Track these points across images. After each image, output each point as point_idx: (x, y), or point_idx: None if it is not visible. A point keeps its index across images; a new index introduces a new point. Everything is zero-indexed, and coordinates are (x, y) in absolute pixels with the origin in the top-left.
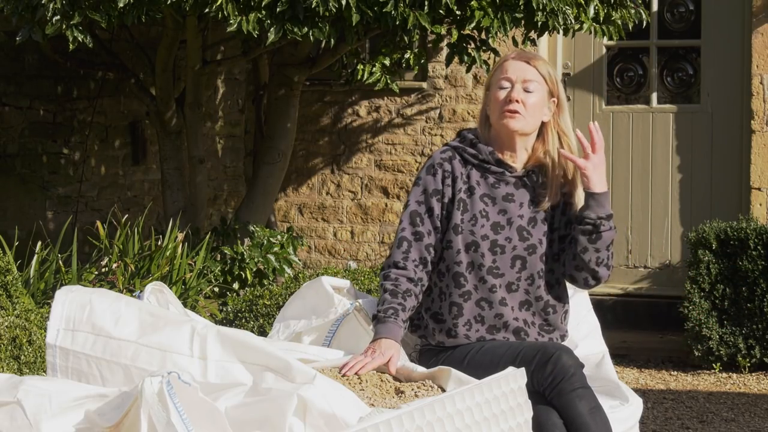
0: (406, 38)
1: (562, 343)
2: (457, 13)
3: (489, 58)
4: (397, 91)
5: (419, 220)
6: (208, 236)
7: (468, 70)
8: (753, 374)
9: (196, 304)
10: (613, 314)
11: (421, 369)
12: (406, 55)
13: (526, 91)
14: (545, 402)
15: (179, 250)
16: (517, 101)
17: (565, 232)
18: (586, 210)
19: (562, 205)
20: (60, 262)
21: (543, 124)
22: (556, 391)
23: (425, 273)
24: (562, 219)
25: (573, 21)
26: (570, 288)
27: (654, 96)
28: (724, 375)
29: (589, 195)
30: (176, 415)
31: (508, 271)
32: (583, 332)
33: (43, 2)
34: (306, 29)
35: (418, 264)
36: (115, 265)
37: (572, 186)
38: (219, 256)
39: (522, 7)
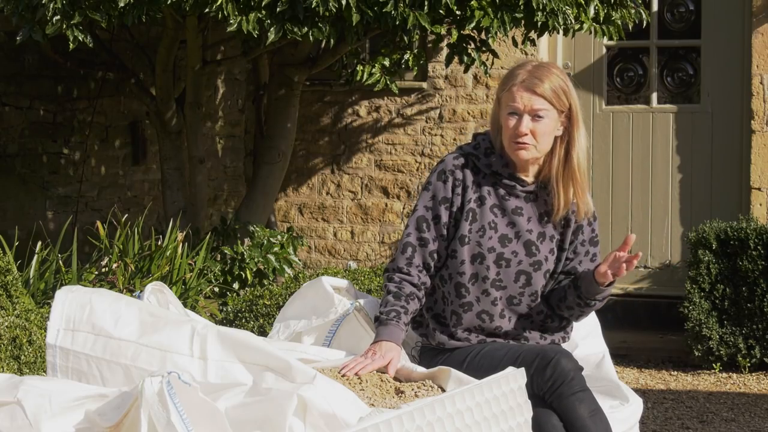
0: (405, 38)
1: (563, 344)
2: (457, 13)
3: (489, 59)
4: (397, 91)
5: (425, 226)
6: (208, 236)
7: (467, 70)
8: (753, 374)
9: (196, 304)
10: (613, 314)
11: (421, 369)
12: (406, 56)
13: (537, 117)
14: (545, 404)
15: (179, 250)
16: (525, 134)
17: (571, 257)
18: (594, 292)
19: (574, 225)
20: (60, 262)
21: (555, 138)
22: (556, 395)
23: (428, 277)
24: (575, 242)
25: (573, 21)
26: None
27: (654, 96)
28: (724, 375)
29: (608, 284)
30: (176, 415)
31: (511, 284)
32: (583, 332)
33: (43, 2)
34: (306, 29)
35: (422, 269)
36: (115, 265)
37: (578, 197)
38: (219, 256)
39: (522, 7)
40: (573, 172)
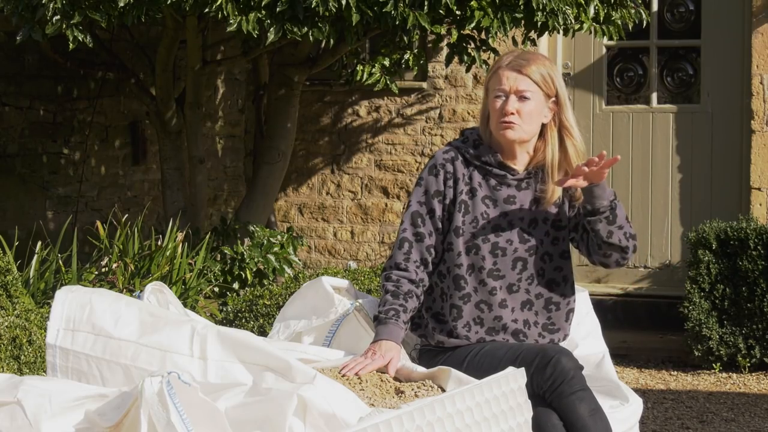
0: (405, 38)
1: (563, 343)
2: (457, 13)
3: (489, 58)
4: (396, 91)
5: (420, 221)
6: (208, 236)
7: (468, 70)
8: (753, 374)
9: (196, 304)
10: (613, 314)
11: (421, 369)
12: (406, 56)
13: (522, 98)
14: (545, 404)
15: (179, 250)
16: (512, 113)
17: (575, 222)
18: (595, 201)
19: (567, 200)
20: (60, 262)
21: (544, 125)
22: (556, 394)
23: (426, 274)
24: (571, 212)
25: (573, 21)
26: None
27: (654, 96)
28: (724, 375)
29: (595, 186)
30: (176, 415)
31: (509, 272)
32: (583, 332)
33: (43, 2)
34: (306, 29)
35: (419, 265)
36: (115, 265)
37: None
38: (219, 256)
39: (522, 7)
40: (570, 159)
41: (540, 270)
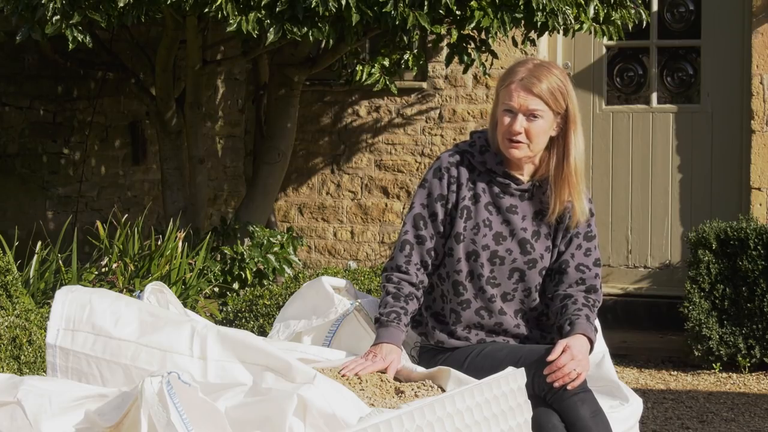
0: (405, 38)
1: None
2: (457, 13)
3: (487, 59)
4: (396, 92)
5: (422, 224)
6: (208, 236)
7: (466, 71)
8: (753, 374)
9: (196, 304)
10: (613, 314)
11: (420, 369)
12: (406, 56)
13: (532, 117)
14: (546, 404)
15: (179, 250)
16: (519, 133)
17: (563, 250)
18: None
19: (567, 221)
20: (60, 262)
21: (551, 138)
22: (558, 395)
23: (426, 276)
24: (566, 237)
25: (573, 21)
26: None
27: (654, 96)
28: (724, 375)
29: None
30: (176, 415)
31: (505, 281)
32: None
33: (43, 2)
34: (305, 29)
35: (420, 267)
36: (115, 265)
37: (574, 199)
38: (219, 256)
39: (522, 7)
40: (569, 175)
41: (537, 285)
